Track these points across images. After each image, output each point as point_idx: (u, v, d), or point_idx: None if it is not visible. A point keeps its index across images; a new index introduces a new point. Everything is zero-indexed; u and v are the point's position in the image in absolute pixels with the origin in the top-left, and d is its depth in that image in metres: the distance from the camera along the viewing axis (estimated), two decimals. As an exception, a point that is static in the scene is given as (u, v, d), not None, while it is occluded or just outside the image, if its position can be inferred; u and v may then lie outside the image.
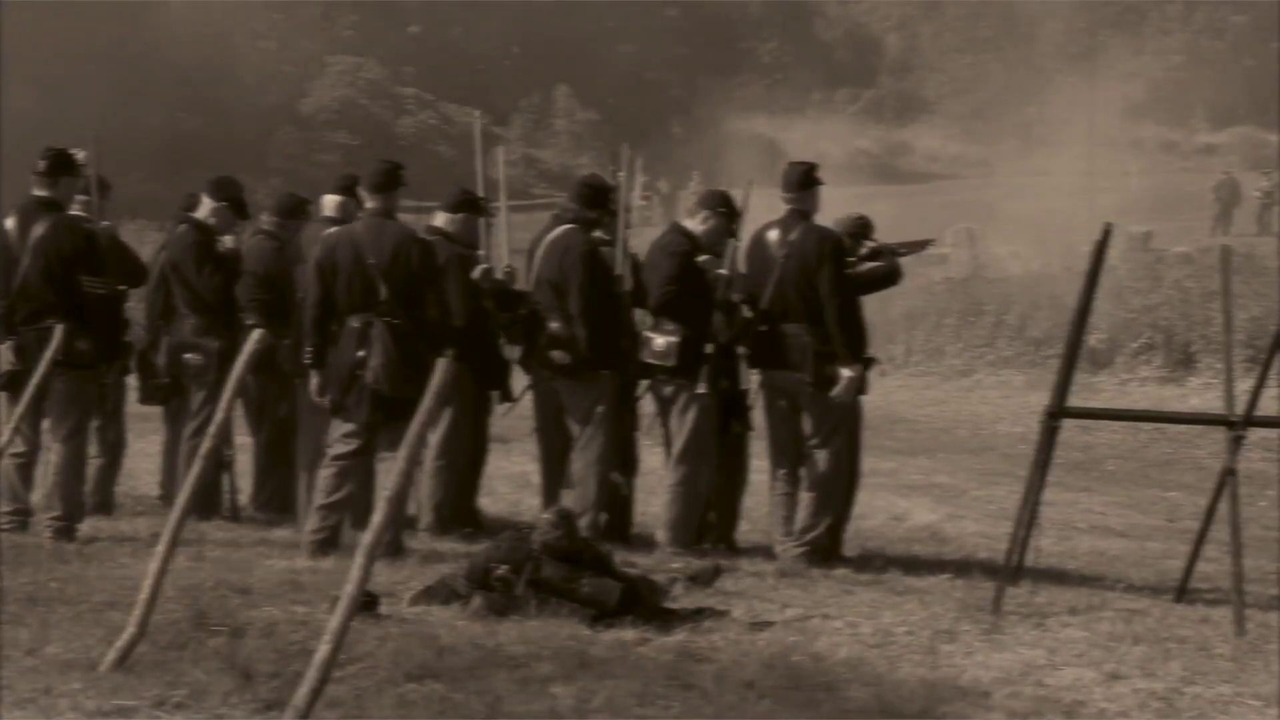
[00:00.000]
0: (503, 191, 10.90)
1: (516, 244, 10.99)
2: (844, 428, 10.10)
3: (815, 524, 9.96)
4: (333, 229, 9.89)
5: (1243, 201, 44.68)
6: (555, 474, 10.43)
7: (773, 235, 10.15)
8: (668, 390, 10.16)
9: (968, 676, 6.72)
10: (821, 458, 9.98)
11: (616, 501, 10.39)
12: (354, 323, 9.43)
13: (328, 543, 9.27)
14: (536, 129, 66.12)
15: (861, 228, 10.65)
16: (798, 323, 9.97)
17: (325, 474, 9.45)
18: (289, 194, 11.31)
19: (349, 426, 9.44)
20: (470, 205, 10.56)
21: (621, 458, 10.39)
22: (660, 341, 10.07)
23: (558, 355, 10.17)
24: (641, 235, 11.10)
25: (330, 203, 10.71)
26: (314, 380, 9.60)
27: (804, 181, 10.22)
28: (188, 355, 10.58)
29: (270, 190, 11.25)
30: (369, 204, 9.69)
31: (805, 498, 10.01)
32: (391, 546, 8.97)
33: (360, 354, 9.36)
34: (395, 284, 9.39)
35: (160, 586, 6.48)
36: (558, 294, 10.19)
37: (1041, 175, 46.51)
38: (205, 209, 10.92)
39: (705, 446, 10.10)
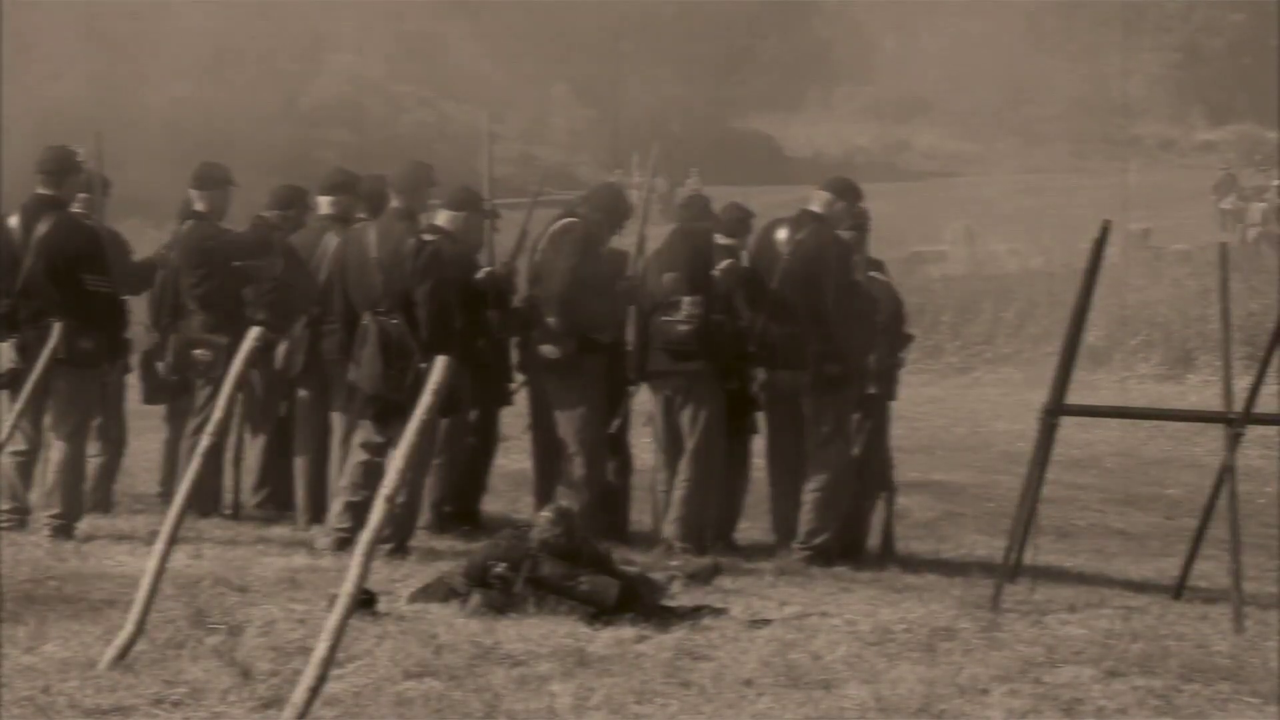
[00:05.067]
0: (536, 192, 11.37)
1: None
2: (846, 429, 10.09)
3: (822, 527, 9.93)
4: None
5: (1240, 198, 44.72)
6: (550, 471, 10.41)
7: (781, 233, 10.14)
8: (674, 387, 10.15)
9: (966, 674, 6.72)
10: (825, 459, 9.96)
11: (612, 500, 10.39)
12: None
13: (348, 541, 9.01)
14: (534, 126, 65.98)
15: (861, 214, 10.69)
16: (799, 322, 9.96)
17: (355, 472, 9.45)
18: (285, 185, 11.30)
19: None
20: (473, 203, 10.54)
21: (616, 457, 10.39)
22: (684, 327, 10.05)
23: (546, 350, 10.15)
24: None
25: (324, 202, 10.75)
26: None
27: (835, 189, 10.24)
28: (197, 351, 10.55)
29: (269, 188, 11.18)
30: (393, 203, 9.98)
31: (810, 499, 9.98)
32: (397, 546, 9.05)
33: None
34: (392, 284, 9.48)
35: (158, 584, 6.48)
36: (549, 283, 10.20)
37: (1040, 172, 46.53)
38: (201, 203, 10.83)
39: (717, 447, 10.10)
